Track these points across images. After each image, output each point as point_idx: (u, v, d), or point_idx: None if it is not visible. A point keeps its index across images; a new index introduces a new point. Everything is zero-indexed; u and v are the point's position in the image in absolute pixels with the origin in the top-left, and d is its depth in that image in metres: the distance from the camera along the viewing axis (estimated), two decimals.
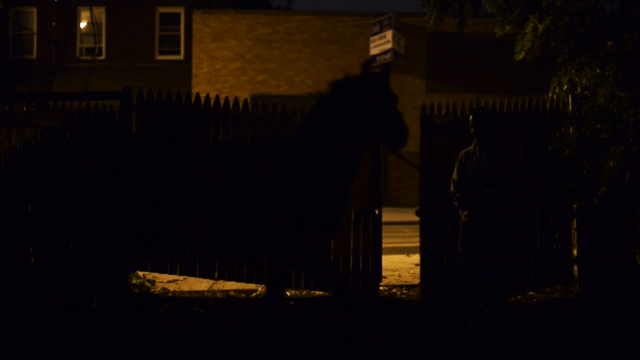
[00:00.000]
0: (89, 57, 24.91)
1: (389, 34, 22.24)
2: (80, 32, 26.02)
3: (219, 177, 5.29)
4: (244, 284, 7.90)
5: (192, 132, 7.68)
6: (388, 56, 21.86)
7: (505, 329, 6.22)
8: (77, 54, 25.81)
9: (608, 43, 6.81)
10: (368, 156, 7.41)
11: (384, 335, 6.11)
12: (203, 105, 7.76)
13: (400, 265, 10.08)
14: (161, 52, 26.14)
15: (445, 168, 7.16)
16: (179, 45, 26.07)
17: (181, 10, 26.07)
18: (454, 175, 6.51)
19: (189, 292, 8.01)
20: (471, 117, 6.49)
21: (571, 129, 7.28)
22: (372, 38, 22.92)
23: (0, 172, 7.43)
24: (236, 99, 7.96)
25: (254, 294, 7.97)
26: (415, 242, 8.46)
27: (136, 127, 7.52)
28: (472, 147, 6.49)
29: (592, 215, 7.50)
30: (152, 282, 7.81)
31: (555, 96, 7.74)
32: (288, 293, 7.72)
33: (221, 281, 7.95)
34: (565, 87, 7.53)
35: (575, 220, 7.80)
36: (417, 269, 8.42)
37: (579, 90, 7.44)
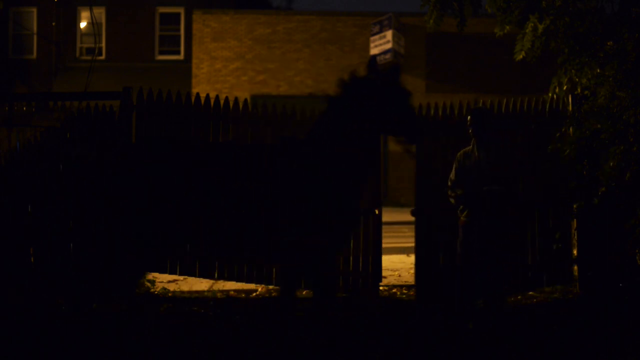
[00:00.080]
0: (89, 57, 24.90)
1: (389, 34, 22.25)
2: (80, 32, 26.02)
3: (231, 178, 5.25)
4: (244, 284, 7.91)
5: (192, 132, 7.68)
6: (388, 56, 21.85)
7: (505, 329, 6.22)
8: (77, 54, 25.81)
9: (608, 43, 6.81)
10: None
11: (384, 335, 6.11)
12: (203, 105, 7.76)
13: (400, 265, 10.08)
14: (161, 52, 26.14)
15: (444, 168, 7.15)
16: (179, 45, 26.06)
17: (181, 10, 26.07)
18: (452, 175, 6.51)
19: (189, 292, 8.01)
20: (469, 117, 6.48)
21: (571, 129, 7.28)
22: (372, 38, 22.92)
23: (0, 172, 7.43)
24: (236, 99, 7.96)
25: (254, 294, 7.98)
26: None
27: (136, 127, 7.52)
28: (470, 147, 6.49)
29: (592, 215, 7.50)
30: (152, 282, 7.81)
31: (555, 96, 7.75)
32: None
33: (221, 281, 7.95)
34: (565, 87, 7.53)
35: (575, 220, 7.80)
36: None
37: (579, 90, 7.45)
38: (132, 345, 5.35)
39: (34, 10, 26.10)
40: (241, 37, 23.84)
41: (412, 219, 7.83)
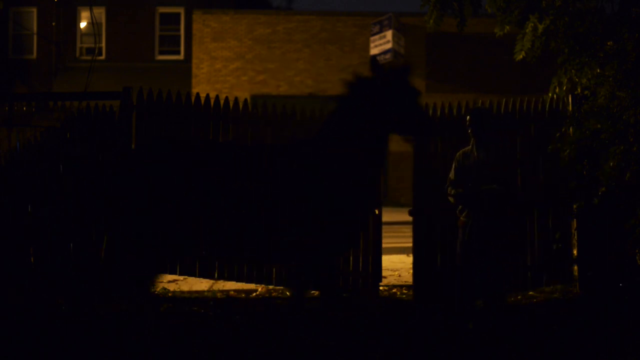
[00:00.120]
0: (89, 57, 24.92)
1: (389, 34, 22.25)
2: (80, 32, 26.03)
3: (231, 178, 5.24)
4: (244, 284, 7.91)
5: (192, 132, 7.68)
6: (388, 56, 21.84)
7: (505, 329, 6.21)
8: (77, 54, 25.82)
9: (608, 43, 6.81)
10: None
11: (384, 335, 6.11)
12: (203, 105, 7.76)
13: (400, 265, 10.08)
14: (161, 52, 26.14)
15: (444, 168, 7.15)
16: (179, 45, 26.07)
17: (181, 10, 26.07)
18: (451, 175, 6.51)
19: (189, 292, 8.02)
20: (468, 117, 6.48)
21: (571, 129, 7.28)
22: (372, 38, 22.92)
23: (0, 172, 7.43)
24: (236, 99, 7.96)
25: (254, 294, 7.97)
26: None
27: (136, 127, 7.52)
28: (469, 147, 6.49)
29: (592, 215, 7.50)
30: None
31: (555, 96, 7.74)
32: (287, 293, 7.72)
33: (221, 281, 7.96)
34: (565, 87, 7.53)
35: (575, 220, 7.81)
36: None
37: (579, 90, 7.45)
38: (132, 345, 5.35)
39: (34, 10, 26.11)
40: (241, 37, 23.85)
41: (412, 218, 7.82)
